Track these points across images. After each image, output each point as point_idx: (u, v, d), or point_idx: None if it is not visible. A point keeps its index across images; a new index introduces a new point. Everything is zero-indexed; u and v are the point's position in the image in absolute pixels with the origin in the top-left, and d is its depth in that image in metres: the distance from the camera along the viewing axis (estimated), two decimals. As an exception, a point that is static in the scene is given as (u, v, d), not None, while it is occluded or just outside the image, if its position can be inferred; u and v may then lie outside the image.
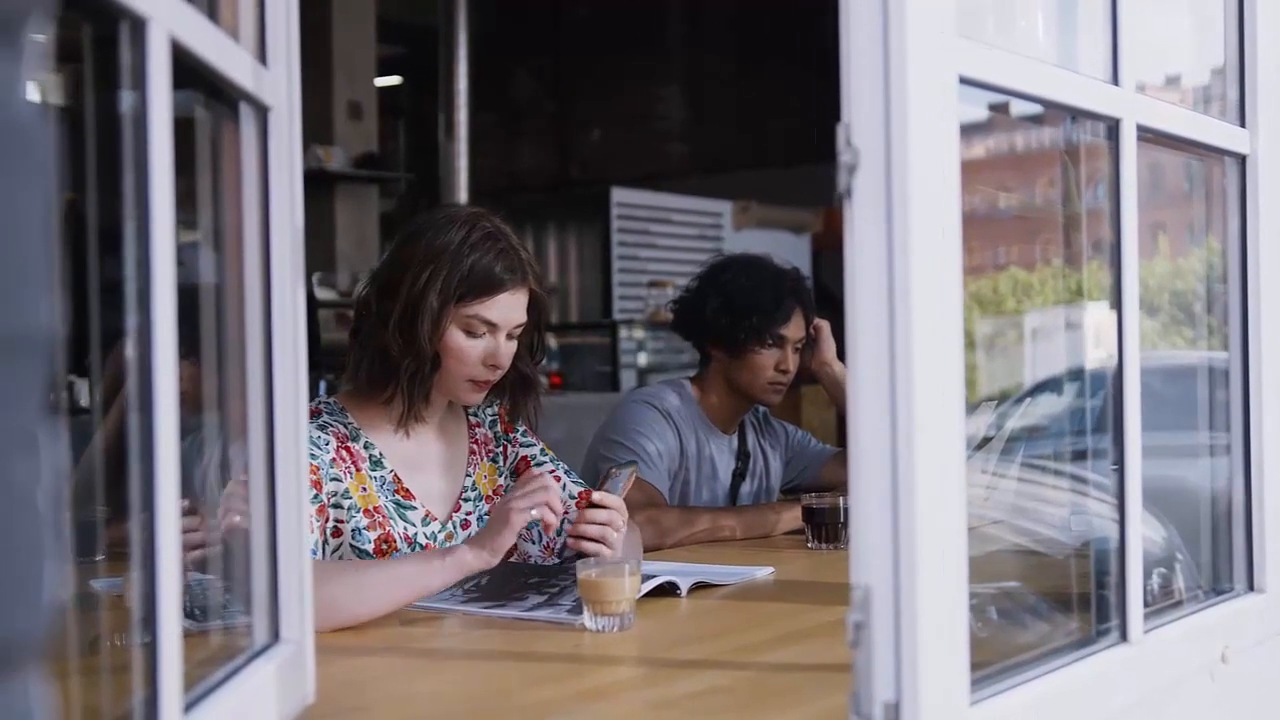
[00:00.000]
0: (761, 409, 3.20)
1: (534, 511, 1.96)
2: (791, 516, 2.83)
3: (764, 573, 2.35)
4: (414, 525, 2.21)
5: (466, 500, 2.31)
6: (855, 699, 1.19)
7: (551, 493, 1.99)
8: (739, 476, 3.13)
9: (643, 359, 7.53)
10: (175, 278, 1.04)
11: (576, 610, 1.89)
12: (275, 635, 1.37)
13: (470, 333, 2.18)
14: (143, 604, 1.01)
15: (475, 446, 2.36)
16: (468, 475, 2.33)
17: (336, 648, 1.73)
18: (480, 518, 2.30)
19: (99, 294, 1.05)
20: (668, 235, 8.21)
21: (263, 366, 1.36)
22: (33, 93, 0.61)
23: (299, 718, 1.40)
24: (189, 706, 1.09)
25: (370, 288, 2.23)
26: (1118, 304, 1.53)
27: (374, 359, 2.19)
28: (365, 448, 2.21)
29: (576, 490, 2.36)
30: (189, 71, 1.12)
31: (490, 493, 2.34)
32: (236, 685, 1.23)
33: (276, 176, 1.37)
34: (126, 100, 1.02)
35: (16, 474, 0.58)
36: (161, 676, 1.01)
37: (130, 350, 1.01)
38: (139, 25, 1.00)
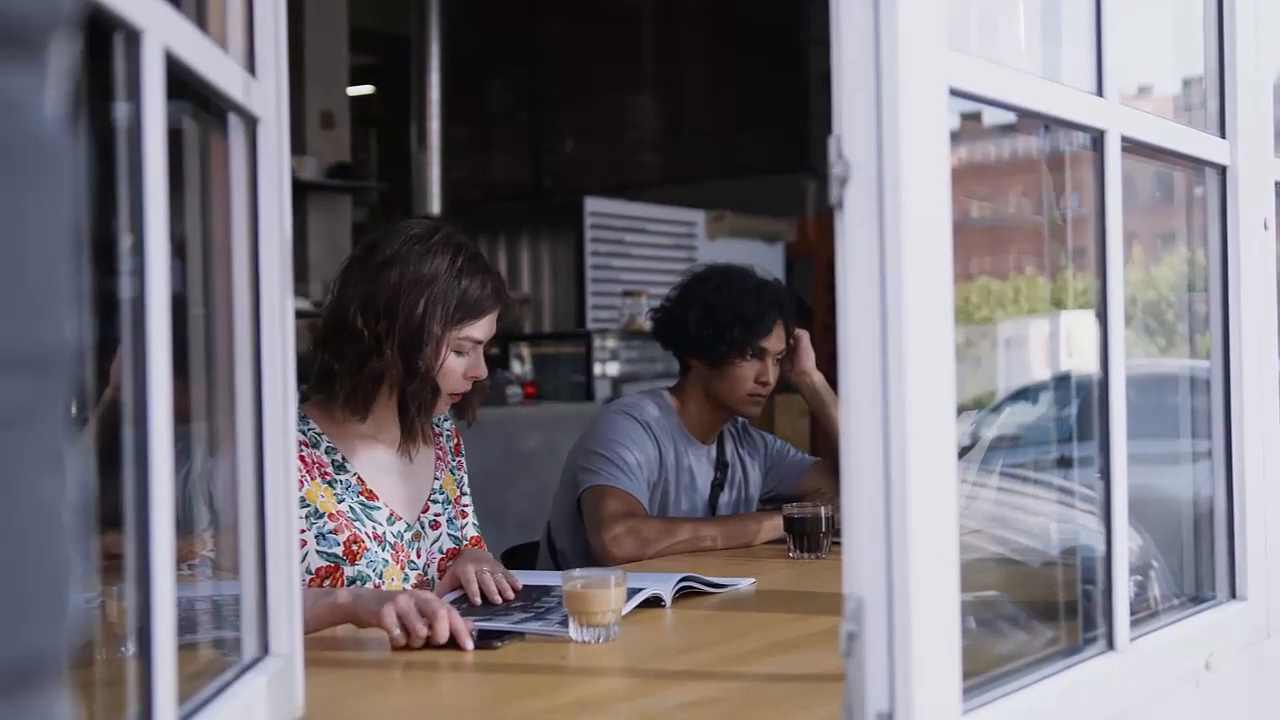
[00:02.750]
0: (740, 419, 3.20)
1: (395, 631, 1.82)
2: (772, 526, 2.83)
3: (747, 583, 2.35)
4: (380, 524, 2.26)
5: (435, 502, 2.39)
6: (848, 709, 1.19)
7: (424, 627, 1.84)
8: (718, 487, 3.13)
9: (616, 369, 7.52)
10: (169, 288, 1.03)
11: (566, 625, 1.89)
12: (265, 649, 1.36)
13: (459, 352, 2.27)
14: (138, 617, 1.00)
15: (440, 453, 2.44)
16: (435, 478, 2.40)
17: (325, 661, 1.72)
18: (449, 519, 2.39)
19: (91, 306, 1.04)
20: (642, 245, 8.21)
21: (251, 378, 1.36)
22: (56, 107, 0.61)
23: (288, 731, 1.39)
24: (182, 721, 1.09)
25: (348, 307, 2.24)
26: (1103, 313, 1.54)
27: (369, 382, 2.23)
28: (327, 453, 2.26)
29: (472, 534, 2.45)
30: (178, 82, 1.11)
31: (454, 498, 2.43)
32: (228, 699, 1.22)
33: (265, 187, 1.36)
34: (120, 111, 1.02)
35: (44, 491, 0.57)
36: (156, 690, 1.01)
37: (125, 362, 1.01)
38: (134, 37, 1.00)
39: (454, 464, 2.47)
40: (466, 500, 2.49)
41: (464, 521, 2.45)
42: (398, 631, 1.82)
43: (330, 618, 1.94)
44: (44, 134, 0.59)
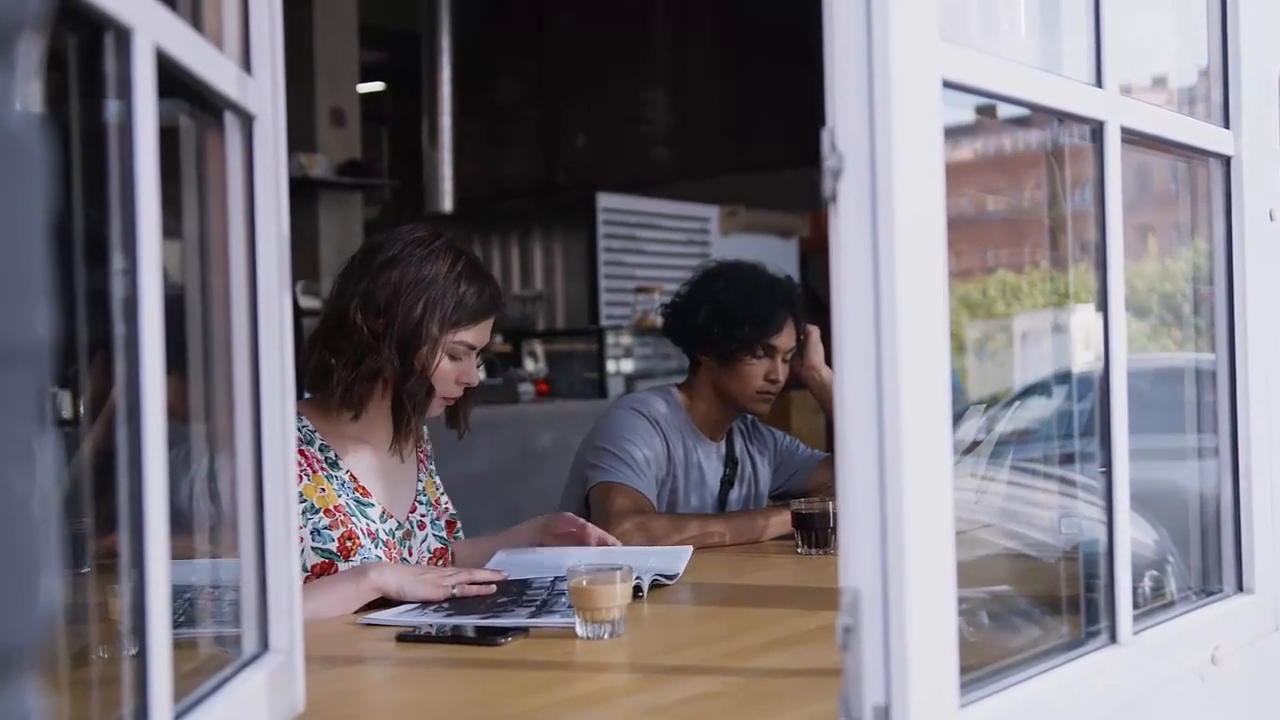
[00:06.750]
0: (750, 415, 3.19)
1: (456, 590, 2.13)
2: (780, 522, 2.83)
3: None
4: (374, 521, 2.30)
5: (421, 503, 2.44)
6: (845, 702, 1.19)
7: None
8: (727, 483, 3.13)
9: (630, 365, 7.52)
10: (162, 288, 1.03)
11: (570, 615, 1.88)
12: (264, 644, 1.37)
13: (453, 356, 2.31)
14: (132, 615, 1.01)
15: (422, 457, 2.49)
16: (419, 480, 2.45)
17: (325, 658, 1.72)
18: (433, 521, 2.44)
19: (84, 304, 1.04)
20: (654, 240, 8.20)
21: (250, 377, 1.36)
22: (27, 103, 0.61)
23: (289, 727, 1.40)
24: (179, 716, 1.09)
25: (347, 305, 2.27)
26: (1104, 306, 1.53)
27: (365, 379, 2.26)
28: (321, 450, 2.30)
29: (435, 545, 2.45)
30: (173, 80, 1.12)
31: (434, 501, 2.48)
32: (226, 695, 1.22)
33: (262, 186, 1.36)
34: (111, 109, 1.02)
35: (14, 483, 0.58)
36: (151, 686, 1.01)
37: (118, 361, 1.01)
38: (124, 35, 1.00)
39: (431, 469, 2.52)
40: (447, 499, 2.53)
41: (443, 523, 2.48)
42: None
43: (361, 598, 2.08)
44: (13, 130, 0.60)
